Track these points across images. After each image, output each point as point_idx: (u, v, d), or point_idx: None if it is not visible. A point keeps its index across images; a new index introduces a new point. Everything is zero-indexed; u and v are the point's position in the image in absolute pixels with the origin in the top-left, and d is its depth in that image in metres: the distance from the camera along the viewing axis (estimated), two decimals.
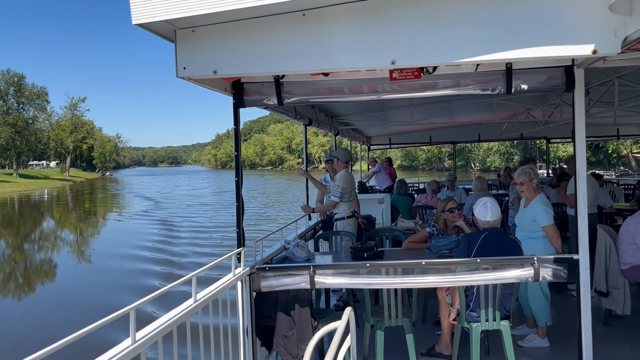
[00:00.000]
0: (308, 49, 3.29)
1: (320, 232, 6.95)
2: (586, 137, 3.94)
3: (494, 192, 12.07)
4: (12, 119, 77.66)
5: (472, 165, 61.22)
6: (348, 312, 2.60)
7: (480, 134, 14.28)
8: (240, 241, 4.10)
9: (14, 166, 78.45)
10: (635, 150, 45.01)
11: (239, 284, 3.99)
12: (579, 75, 3.79)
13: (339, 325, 2.43)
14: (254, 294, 4.18)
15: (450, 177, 10.69)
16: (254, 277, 4.08)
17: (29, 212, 38.47)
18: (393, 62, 3.20)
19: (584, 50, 3.06)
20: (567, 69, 3.80)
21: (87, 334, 2.10)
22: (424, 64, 3.47)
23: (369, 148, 15.36)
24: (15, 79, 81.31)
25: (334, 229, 6.39)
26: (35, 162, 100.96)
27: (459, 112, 10.38)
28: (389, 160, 14.78)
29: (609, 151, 41.21)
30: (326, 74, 3.96)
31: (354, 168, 13.28)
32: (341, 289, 6.55)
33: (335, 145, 9.68)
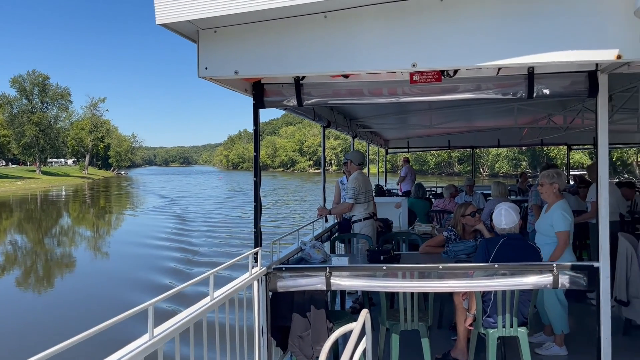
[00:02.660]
0: (329, 51, 3.30)
1: (337, 234, 6.95)
2: (610, 144, 3.87)
3: (513, 197, 11.95)
4: (37, 118, 79.48)
5: (481, 170, 61.39)
6: (364, 314, 2.59)
7: (499, 139, 14.14)
8: (258, 241, 4.13)
9: (37, 163, 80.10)
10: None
11: (255, 283, 4.01)
12: (603, 80, 3.73)
13: (355, 326, 2.44)
14: (270, 293, 4.21)
15: (468, 181, 10.60)
16: (270, 277, 4.10)
17: (61, 206, 40.26)
18: (414, 65, 3.19)
19: (608, 55, 3.02)
20: (591, 74, 3.75)
21: (106, 328, 2.13)
22: (445, 67, 3.46)
23: (387, 151, 15.32)
24: (40, 79, 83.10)
25: (352, 231, 6.39)
26: (54, 159, 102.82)
27: (478, 116, 10.29)
28: (407, 161, 14.75)
29: (614, 159, 40.93)
30: (346, 76, 3.97)
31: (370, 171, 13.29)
32: (357, 291, 6.54)
33: (353, 147, 9.67)
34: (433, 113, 9.48)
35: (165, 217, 27.46)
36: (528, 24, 3.12)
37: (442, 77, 3.85)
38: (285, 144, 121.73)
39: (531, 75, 3.79)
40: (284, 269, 4.13)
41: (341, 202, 7.34)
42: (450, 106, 8.48)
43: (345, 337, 2.33)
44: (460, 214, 5.18)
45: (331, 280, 4.07)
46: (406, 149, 15.37)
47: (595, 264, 3.81)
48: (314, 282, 4.11)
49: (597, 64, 3.69)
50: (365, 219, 6.31)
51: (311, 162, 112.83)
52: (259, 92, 4.09)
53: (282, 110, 4.83)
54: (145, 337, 2.49)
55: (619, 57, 2.99)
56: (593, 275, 3.83)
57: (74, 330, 2.07)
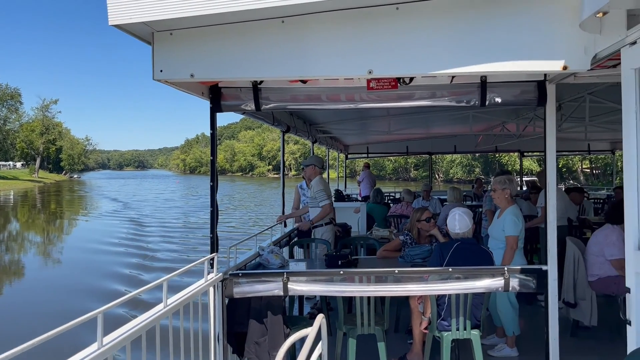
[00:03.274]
0: (286, 56, 3.30)
1: (296, 239, 6.94)
2: (558, 151, 4.01)
3: (468, 202, 12.24)
4: None
5: (437, 176, 63.41)
6: (320, 319, 2.59)
7: (456, 146, 14.47)
8: (214, 246, 4.08)
9: None
10: (584, 166, 46.99)
11: (211, 289, 3.96)
12: (551, 90, 3.89)
13: (310, 332, 2.43)
14: (227, 300, 4.16)
15: (425, 187, 10.79)
16: (226, 283, 4.06)
17: (9, 210, 38.42)
18: (370, 72, 3.23)
19: (554, 65, 3.14)
20: (540, 84, 3.90)
21: (50, 338, 2.05)
22: (400, 74, 3.52)
23: (346, 156, 15.43)
24: None
25: (312, 236, 6.39)
26: (2, 162, 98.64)
27: (435, 123, 10.51)
28: (368, 166, 14.90)
29: (560, 166, 43.10)
30: (304, 81, 3.99)
31: (325, 176, 13.35)
32: (315, 296, 6.54)
33: (313, 152, 9.69)
34: (392, 119, 9.62)
35: (120, 221, 26.78)
36: (480, 34, 3.21)
37: (399, 85, 3.92)
38: (244, 148, 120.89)
39: (484, 84, 3.91)
40: (240, 274, 4.09)
41: (301, 207, 7.35)
42: (409, 113, 8.62)
43: (303, 342, 2.32)
44: (416, 218, 5.28)
45: (289, 286, 4.07)
46: (366, 155, 15.54)
47: (544, 267, 3.94)
48: (271, 288, 4.09)
49: (545, 74, 3.84)
50: (326, 224, 6.33)
51: (270, 167, 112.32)
52: (216, 96, 4.06)
53: (241, 114, 4.80)
54: (94, 346, 2.42)
55: (565, 67, 3.12)
56: (542, 278, 3.96)
57: (16, 340, 1.98)
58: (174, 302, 3.32)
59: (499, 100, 3.98)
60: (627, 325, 2.72)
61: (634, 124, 2.63)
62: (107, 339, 2.56)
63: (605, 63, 3.22)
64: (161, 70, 3.31)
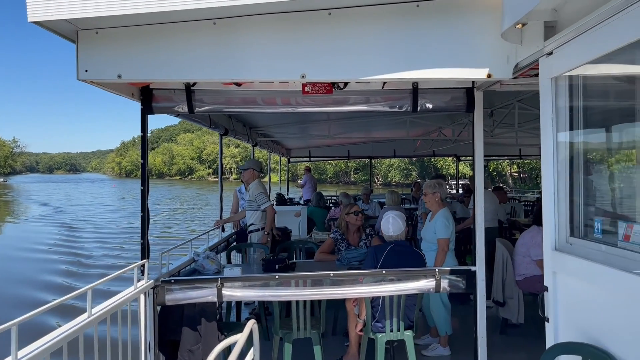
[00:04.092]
0: (219, 58, 3.26)
1: (235, 243, 6.86)
2: (491, 155, 4.17)
3: (407, 205, 12.52)
4: None
5: (376, 179, 65.07)
6: (251, 324, 2.57)
7: (395, 150, 14.78)
8: (145, 253, 3.95)
9: None
10: (513, 170, 49.64)
11: (142, 297, 3.84)
12: (479, 97, 4.04)
13: (239, 337, 2.40)
14: (159, 307, 4.05)
15: (365, 190, 10.97)
16: (158, 290, 3.95)
17: None
18: (303, 76, 3.24)
19: (479, 73, 3.27)
20: (468, 91, 4.04)
21: None
22: (333, 79, 3.55)
23: (288, 160, 15.42)
24: None
25: (248, 241, 6.33)
26: None
27: (375, 128, 10.70)
28: (309, 170, 14.93)
29: (490, 170, 45.28)
30: (239, 84, 3.95)
31: (266, 179, 13.29)
32: (254, 301, 6.48)
33: (253, 155, 9.62)
34: (332, 123, 9.71)
35: (51, 226, 25.46)
36: (411, 42, 3.29)
37: (333, 89, 3.96)
38: (183, 151, 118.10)
39: (415, 90, 4.02)
40: (173, 281, 3.99)
41: (239, 210, 7.27)
42: (349, 117, 8.73)
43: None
44: (345, 212, 5.39)
45: (223, 292, 4.00)
46: (308, 158, 15.59)
47: (473, 268, 4.09)
48: (205, 294, 4.01)
49: (473, 82, 3.99)
50: (262, 228, 6.28)
51: (210, 170, 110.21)
52: (148, 98, 3.94)
53: (174, 116, 4.68)
54: None
55: (489, 75, 3.25)
56: (471, 278, 4.10)
57: None
58: (99, 310, 3.19)
59: (430, 106, 4.09)
60: (546, 322, 2.86)
61: (550, 131, 2.77)
62: (23, 351, 2.43)
63: (528, 72, 3.38)
64: (86, 70, 3.18)
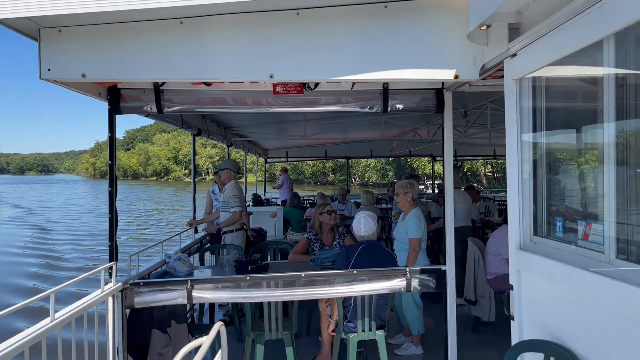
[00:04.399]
0: (186, 58, 3.22)
1: (208, 245, 6.80)
2: (466, 155, 4.22)
3: (384, 205, 12.59)
4: None
5: (353, 179, 65.51)
6: (217, 327, 2.54)
7: (372, 150, 14.84)
8: (113, 255, 3.89)
9: None
10: (487, 170, 50.58)
11: (110, 299, 3.78)
12: (448, 97, 4.07)
13: (205, 340, 2.37)
14: (128, 310, 3.99)
15: (341, 190, 10.99)
16: (126, 293, 3.89)
17: None
18: (271, 76, 3.23)
19: (447, 74, 3.29)
20: (438, 92, 4.08)
21: None
22: (302, 79, 3.54)
23: (266, 161, 15.36)
24: None
25: (222, 242, 6.28)
26: None
27: (351, 128, 10.72)
28: (286, 170, 14.90)
29: (465, 170, 45.99)
30: (208, 84, 3.91)
31: (244, 180, 13.22)
32: (228, 303, 6.43)
33: (229, 156, 9.55)
34: (309, 124, 9.70)
35: (23, 228, 24.89)
36: (380, 43, 3.30)
37: (304, 90, 3.95)
38: (159, 151, 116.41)
39: (386, 90, 4.04)
40: (141, 283, 3.93)
41: (213, 212, 7.21)
42: (325, 118, 8.73)
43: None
44: (319, 212, 5.40)
45: (193, 294, 3.96)
46: (285, 159, 15.56)
47: (443, 267, 4.12)
48: (175, 297, 3.97)
49: (443, 83, 4.02)
50: (236, 230, 6.23)
51: (187, 171, 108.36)
52: (115, 98, 3.88)
53: (144, 116, 4.62)
54: None
55: (456, 77, 3.28)
56: (441, 277, 4.14)
57: None
58: (64, 314, 3.13)
59: (400, 106, 4.11)
60: (511, 321, 2.90)
61: (515, 131, 2.81)
62: None
63: (496, 73, 3.42)
64: (49, 69, 3.11)
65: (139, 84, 3.83)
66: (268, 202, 13.22)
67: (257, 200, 11.98)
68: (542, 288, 2.59)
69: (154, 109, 3.96)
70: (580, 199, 2.67)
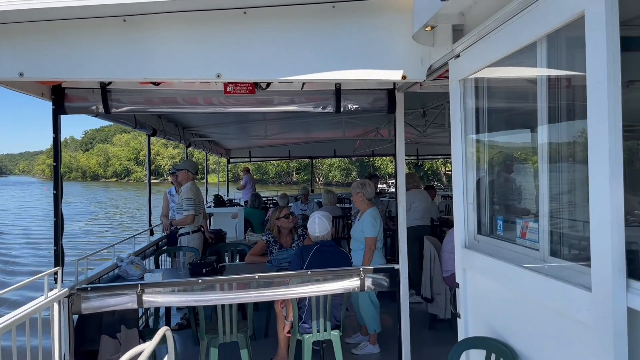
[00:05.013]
0: (130, 57, 3.14)
1: (165, 247, 6.67)
2: (426, 155, 4.25)
3: (347, 204, 12.63)
4: None
5: (317, 179, 65.81)
6: (161, 332, 2.48)
7: (335, 150, 14.88)
8: (59, 259, 3.77)
9: None
10: (447, 169, 51.76)
11: (56, 306, 3.65)
12: (400, 98, 4.10)
13: (146, 346, 2.32)
14: (76, 316, 3.87)
15: (304, 190, 10.96)
16: (73, 299, 3.77)
17: None
18: (219, 75, 3.18)
19: (396, 75, 3.31)
20: (390, 92, 4.10)
21: None
22: (251, 79, 3.51)
23: (228, 161, 15.21)
24: None
25: (178, 244, 6.17)
26: None
27: (314, 128, 10.71)
28: (248, 171, 14.79)
29: (425, 169, 46.83)
30: (157, 84, 3.83)
31: (205, 182, 13.07)
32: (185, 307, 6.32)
33: (187, 156, 9.41)
34: (272, 123, 9.63)
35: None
36: (330, 42, 3.29)
37: (256, 89, 3.91)
38: (119, 152, 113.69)
39: (338, 91, 4.04)
40: (89, 288, 3.82)
41: (170, 214, 7.07)
42: (288, 117, 8.69)
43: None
44: (275, 217, 5.35)
45: (144, 298, 3.87)
46: (248, 159, 15.43)
47: (396, 266, 4.15)
48: (125, 301, 3.87)
49: (394, 83, 4.05)
50: (193, 232, 6.14)
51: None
52: (60, 97, 3.76)
53: (93, 117, 4.49)
54: None
55: (404, 77, 3.30)
56: (395, 276, 4.16)
57: None
58: (2, 322, 3.01)
59: (353, 107, 4.12)
60: (457, 318, 2.93)
61: (459, 132, 2.84)
62: None
63: (445, 74, 3.46)
64: None
65: (83, 83, 3.72)
66: (231, 203, 13.08)
67: (219, 201, 11.82)
68: (485, 286, 2.64)
69: (101, 109, 3.86)
70: (519, 198, 2.73)
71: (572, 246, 2.03)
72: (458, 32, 2.93)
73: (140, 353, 2.29)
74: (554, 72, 2.09)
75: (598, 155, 1.65)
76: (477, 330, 2.74)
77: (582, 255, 1.84)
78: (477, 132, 2.79)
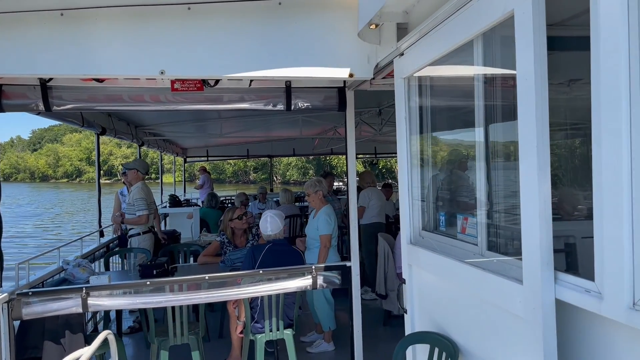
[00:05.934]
0: (70, 52, 3.03)
1: (117, 249, 6.50)
2: (382, 153, 4.26)
3: (305, 203, 12.62)
4: None
5: (275, 178, 65.86)
6: (102, 336, 2.41)
7: (294, 148, 14.84)
8: None
9: None
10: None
11: None
12: (350, 96, 4.12)
13: (85, 351, 2.24)
14: (17, 322, 3.72)
15: (261, 189, 10.89)
16: (13, 304, 3.61)
17: None
18: (162, 72, 3.10)
19: (343, 73, 3.31)
20: (340, 90, 4.11)
21: None
22: (197, 76, 3.45)
23: (185, 160, 14.94)
24: None
25: (129, 246, 6.02)
26: None
27: (273, 126, 10.64)
28: (205, 170, 14.57)
29: (380, 167, 47.46)
30: (100, 80, 3.72)
31: (159, 181, 12.82)
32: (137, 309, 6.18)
33: (140, 155, 9.19)
34: (228, 122, 9.51)
35: None
36: (277, 40, 3.26)
37: (204, 87, 3.85)
38: (70, 152, 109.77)
39: (289, 89, 4.01)
40: (30, 293, 3.67)
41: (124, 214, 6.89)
42: (244, 115, 8.61)
43: None
44: (228, 218, 5.29)
45: (89, 302, 3.75)
46: (205, 158, 15.21)
47: (348, 264, 4.16)
48: (69, 305, 3.74)
49: (345, 81, 4.05)
50: (144, 232, 6.00)
51: (102, 172, 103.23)
52: None
53: (35, 115, 4.33)
54: None
55: (351, 75, 3.31)
56: (347, 274, 4.18)
57: None
58: None
59: (304, 105, 4.11)
60: (404, 314, 2.97)
61: (404, 130, 2.87)
62: None
63: (393, 72, 3.49)
64: None
65: (21, 79, 3.56)
66: (188, 203, 12.86)
67: (175, 202, 11.61)
68: (429, 281, 2.67)
69: (42, 107, 3.71)
70: (461, 195, 2.78)
71: (507, 240, 2.08)
72: (403, 31, 2.95)
73: (78, 358, 2.24)
74: (490, 70, 2.13)
75: (527, 151, 1.69)
76: (423, 325, 2.78)
77: (516, 249, 1.88)
78: (421, 130, 2.82)
